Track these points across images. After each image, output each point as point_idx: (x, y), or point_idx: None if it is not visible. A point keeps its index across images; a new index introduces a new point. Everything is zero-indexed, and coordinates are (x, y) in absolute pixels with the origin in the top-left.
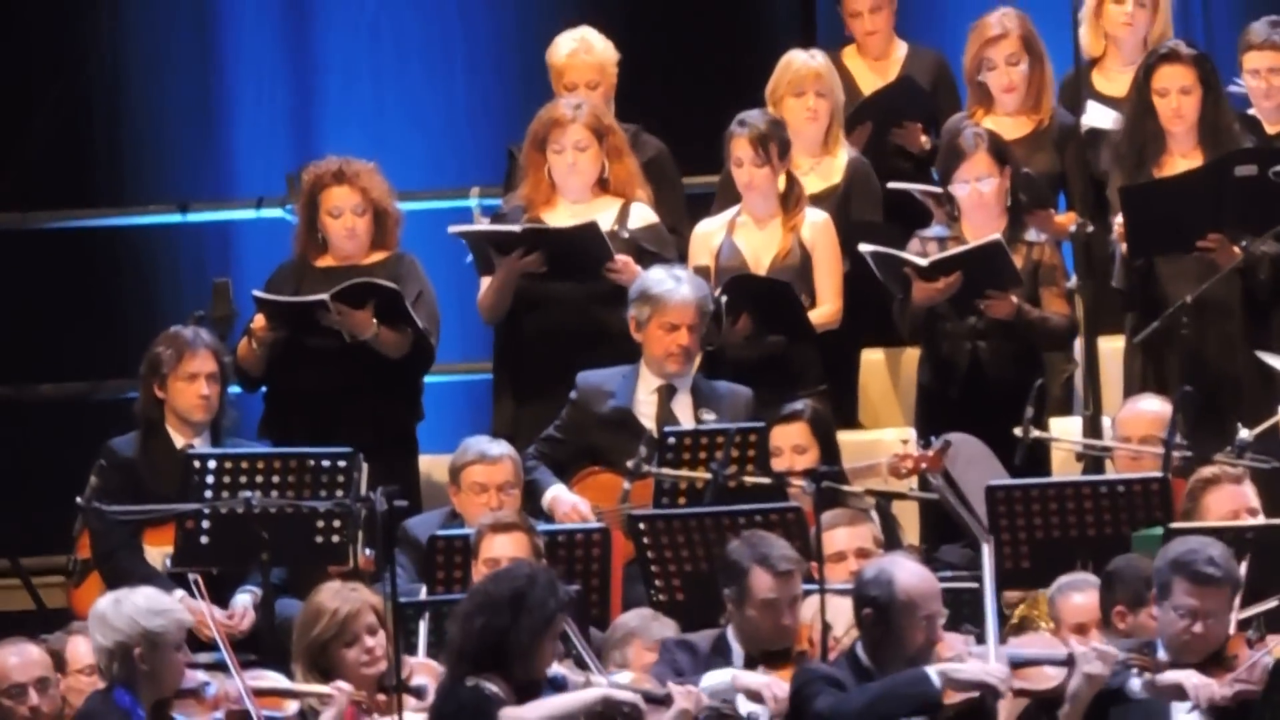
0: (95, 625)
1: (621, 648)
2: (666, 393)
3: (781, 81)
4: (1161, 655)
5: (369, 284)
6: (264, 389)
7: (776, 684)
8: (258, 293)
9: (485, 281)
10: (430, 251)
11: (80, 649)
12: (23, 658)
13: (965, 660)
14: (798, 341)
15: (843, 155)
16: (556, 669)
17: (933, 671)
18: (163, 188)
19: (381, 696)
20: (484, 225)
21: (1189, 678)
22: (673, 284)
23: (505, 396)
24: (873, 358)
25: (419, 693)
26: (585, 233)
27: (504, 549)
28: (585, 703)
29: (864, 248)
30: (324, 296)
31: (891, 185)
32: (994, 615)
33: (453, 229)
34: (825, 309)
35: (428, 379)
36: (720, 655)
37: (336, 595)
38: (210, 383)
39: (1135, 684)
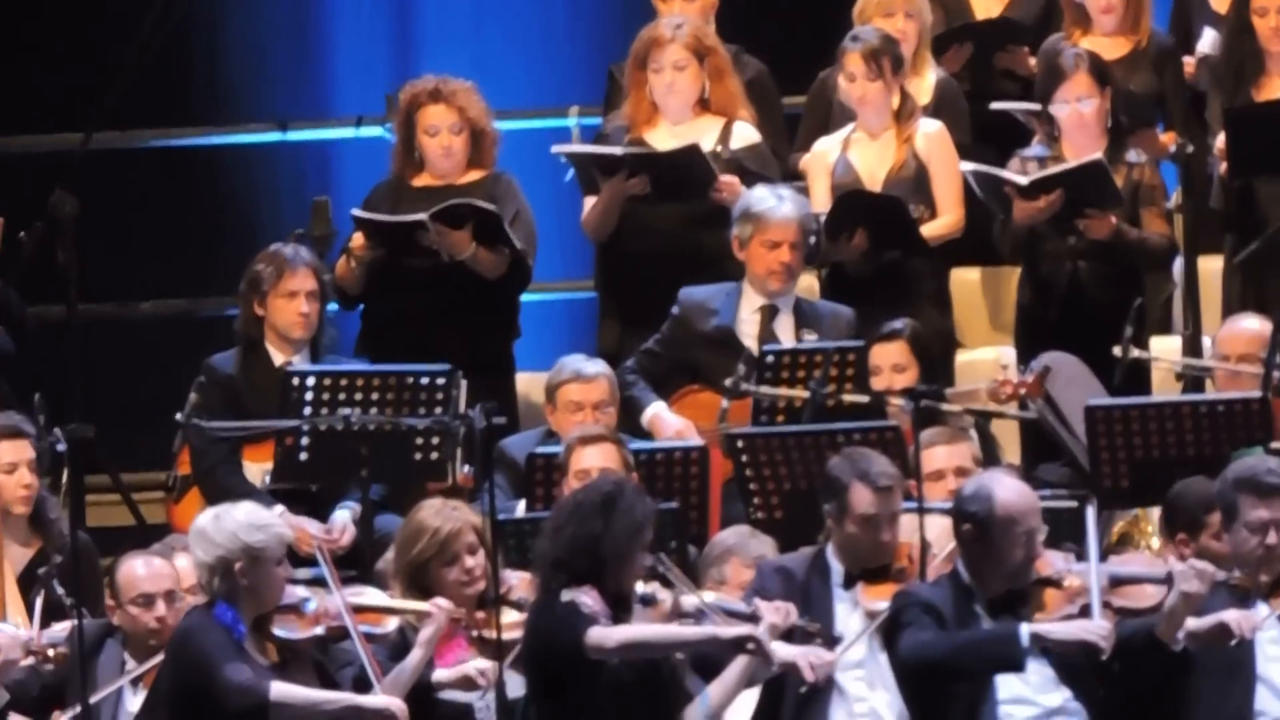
0: (196, 541)
1: (719, 565)
2: (769, 313)
3: (870, 3)
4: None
5: (467, 204)
6: (362, 307)
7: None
8: (357, 212)
9: (589, 201)
10: (529, 171)
11: (184, 565)
12: (151, 569)
13: (1066, 579)
14: (911, 256)
15: (930, 76)
16: (644, 587)
17: (1025, 632)
18: (262, 106)
19: (480, 614)
20: (586, 146)
21: (1228, 614)
22: (775, 202)
23: (610, 317)
24: (969, 277)
25: (520, 605)
26: (688, 156)
27: (594, 460)
28: (684, 639)
29: (964, 166)
30: (422, 217)
31: (994, 106)
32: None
33: (557, 149)
34: (946, 219)
35: (526, 297)
36: (818, 574)
37: (438, 514)
38: (309, 300)
39: (1179, 635)
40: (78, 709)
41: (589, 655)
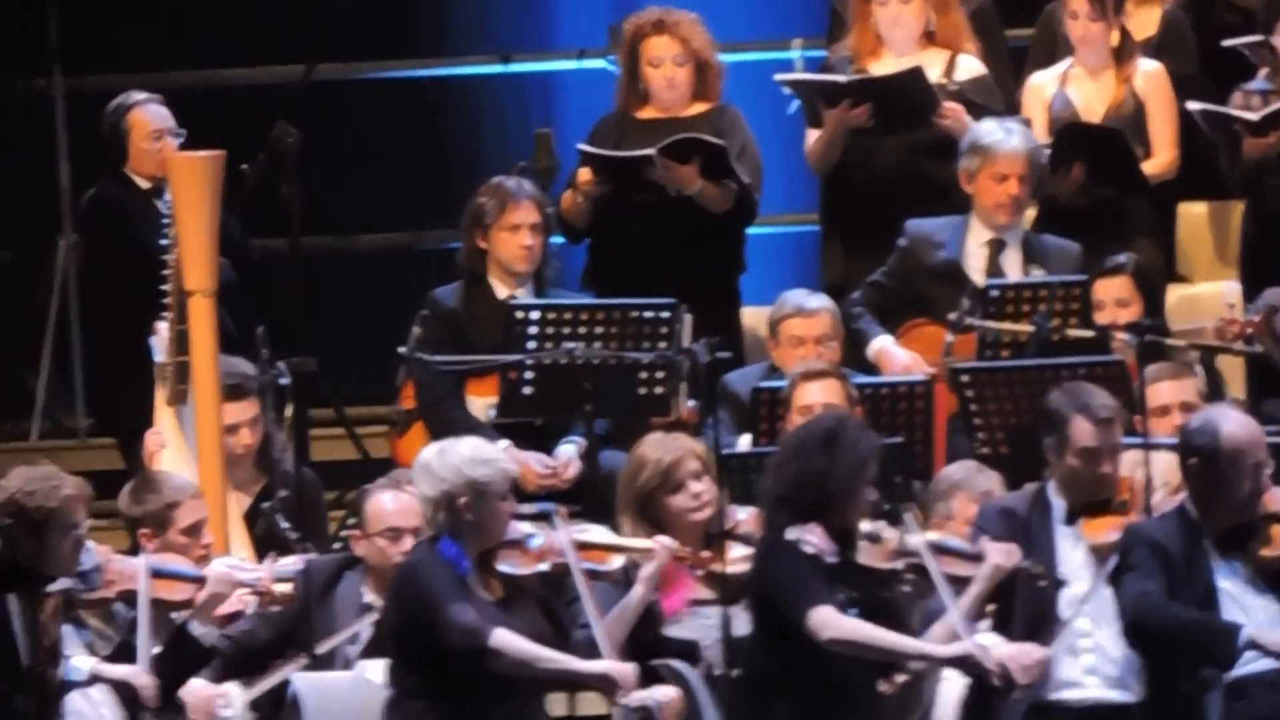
0: (420, 475)
1: (945, 500)
2: (996, 246)
3: None
4: None
5: (695, 139)
6: (587, 240)
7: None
8: (584, 146)
9: (812, 134)
10: (752, 104)
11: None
12: (400, 504)
13: None
14: (1130, 192)
15: (1157, 8)
16: (869, 524)
17: (1245, 635)
18: (485, 38)
19: (707, 552)
20: (809, 74)
21: None
22: (1003, 135)
23: (834, 248)
24: (1195, 211)
25: (747, 540)
26: (910, 80)
27: (817, 396)
28: (900, 649)
29: (1192, 106)
30: (650, 151)
31: (1226, 43)
32: None
33: (779, 77)
34: (1161, 158)
35: (751, 230)
36: (1039, 512)
37: (659, 445)
38: (533, 233)
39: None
40: (326, 644)
41: (805, 630)
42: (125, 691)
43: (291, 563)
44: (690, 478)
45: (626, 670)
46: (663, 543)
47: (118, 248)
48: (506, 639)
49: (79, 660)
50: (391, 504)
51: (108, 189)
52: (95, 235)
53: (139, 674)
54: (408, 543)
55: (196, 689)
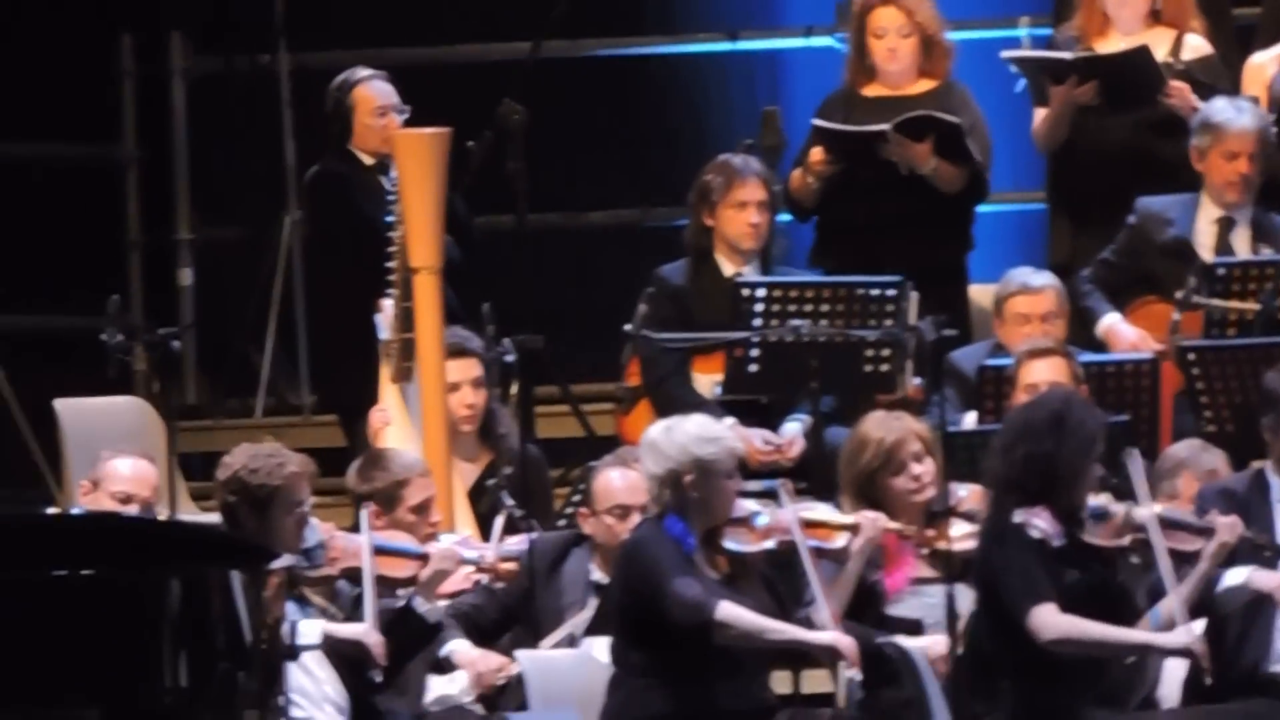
0: (646, 452)
1: (1171, 479)
2: (1225, 224)
3: None
4: None
5: (929, 116)
6: (816, 218)
7: None
8: (818, 121)
9: (1039, 113)
10: (978, 82)
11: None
12: (628, 481)
13: None
14: None
15: None
16: (1096, 500)
17: None
18: (713, 16)
19: (930, 531)
20: (1035, 51)
21: None
22: (1234, 113)
23: (1061, 228)
24: None
25: (970, 518)
26: (1136, 57)
27: (1043, 374)
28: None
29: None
30: (885, 127)
31: None
32: None
33: (1005, 54)
34: None
35: (979, 208)
36: (1258, 492)
37: (881, 424)
38: (759, 211)
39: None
40: (559, 632)
41: (1027, 626)
42: (354, 650)
43: (517, 540)
44: (912, 459)
45: (851, 642)
46: (869, 517)
47: (342, 224)
48: (732, 611)
49: (307, 625)
50: (619, 481)
51: (332, 165)
52: (320, 211)
53: (369, 632)
54: (635, 520)
55: (479, 656)
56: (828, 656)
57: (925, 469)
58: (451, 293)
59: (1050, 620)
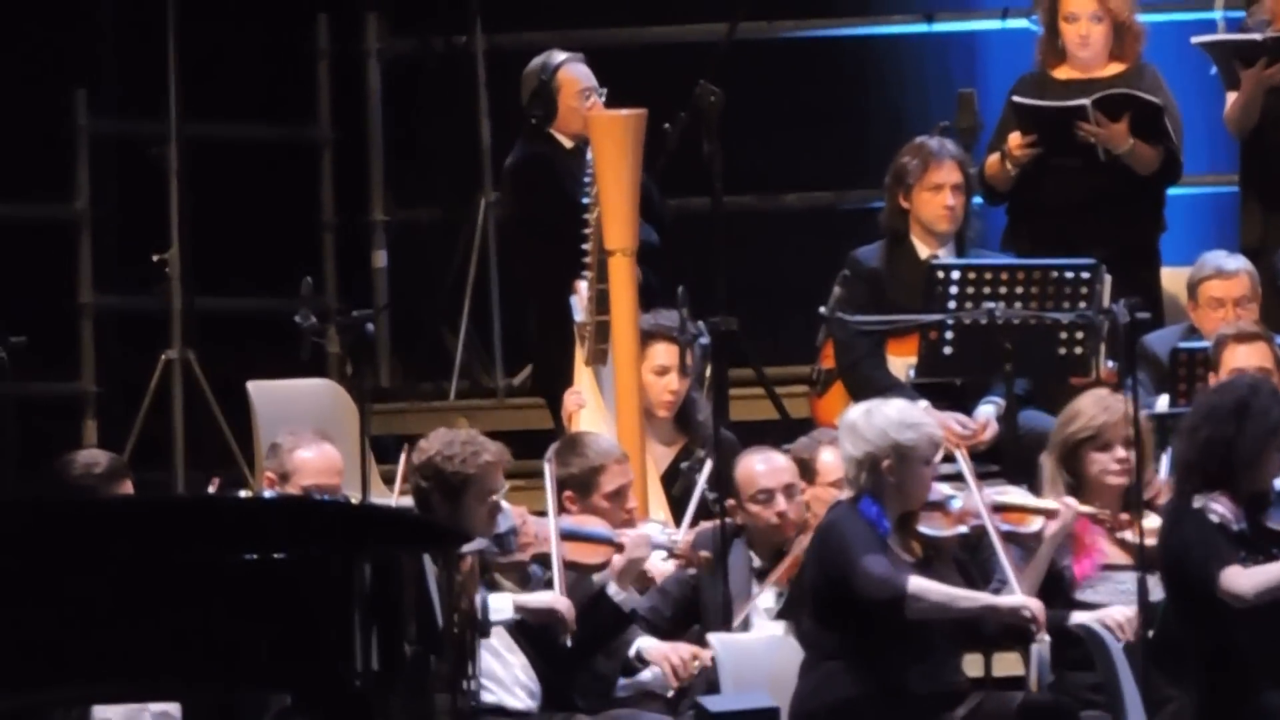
0: (845, 435)
1: None
2: None
3: None
4: None
5: (1128, 95)
6: (1007, 201)
7: None
8: (1018, 99)
9: (1231, 96)
10: (1173, 63)
11: (829, 460)
12: (769, 464)
13: None
14: None
15: None
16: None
17: None
18: None
19: (1125, 515)
20: (1225, 35)
21: None
22: None
23: (1253, 211)
24: None
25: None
26: None
27: (1246, 359)
28: None
29: None
30: (1085, 101)
31: None
32: None
33: (1195, 39)
34: None
35: (1171, 191)
36: None
37: (1099, 401)
38: (955, 193)
39: None
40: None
41: (1219, 592)
42: (546, 617)
43: (709, 527)
44: (1120, 442)
45: (1040, 605)
46: (1069, 504)
47: (547, 208)
48: (923, 583)
49: (498, 599)
50: (760, 466)
51: (535, 148)
52: (525, 195)
53: (559, 599)
54: (780, 502)
55: (670, 648)
56: (1020, 620)
57: (1129, 455)
58: (654, 275)
59: (1242, 575)
